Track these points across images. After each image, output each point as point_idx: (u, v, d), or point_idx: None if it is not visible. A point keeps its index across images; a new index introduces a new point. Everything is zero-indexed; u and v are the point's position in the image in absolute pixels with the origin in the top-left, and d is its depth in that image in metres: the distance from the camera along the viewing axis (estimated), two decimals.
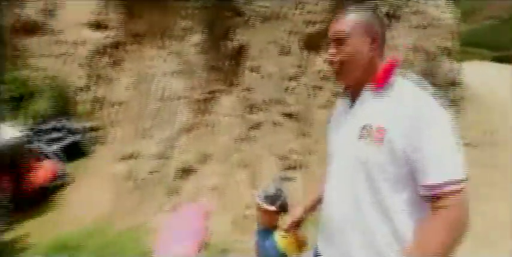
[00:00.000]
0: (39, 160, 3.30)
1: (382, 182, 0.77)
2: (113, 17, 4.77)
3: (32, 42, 5.03)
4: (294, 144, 2.83)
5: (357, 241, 0.82)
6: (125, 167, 3.12)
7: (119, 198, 2.88)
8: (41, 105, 4.36)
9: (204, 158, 3.12)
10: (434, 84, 0.85)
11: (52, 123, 3.99)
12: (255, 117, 3.17)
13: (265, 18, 3.89)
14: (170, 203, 2.81)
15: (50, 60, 4.93)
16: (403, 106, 0.76)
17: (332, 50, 0.82)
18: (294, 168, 2.73)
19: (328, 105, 3.08)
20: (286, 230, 1.13)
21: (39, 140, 3.60)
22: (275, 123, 2.97)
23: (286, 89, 3.10)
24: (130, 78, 4.10)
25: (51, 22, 5.19)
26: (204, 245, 2.29)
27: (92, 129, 4.34)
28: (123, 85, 4.08)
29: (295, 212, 1.11)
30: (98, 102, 4.57)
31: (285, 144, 2.82)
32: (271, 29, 3.75)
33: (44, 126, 3.90)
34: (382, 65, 0.82)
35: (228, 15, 3.98)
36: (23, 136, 3.08)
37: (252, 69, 3.53)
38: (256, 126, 3.09)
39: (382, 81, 0.80)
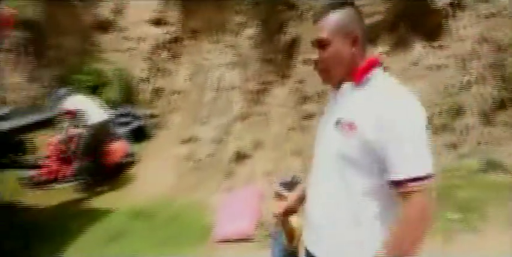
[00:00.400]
0: (114, 140, 3.76)
1: (354, 175, 0.78)
2: (172, 14, 5.15)
3: (105, 39, 5.64)
4: None
5: (335, 235, 0.83)
6: (185, 150, 3.42)
7: (180, 177, 3.19)
8: (111, 94, 4.90)
9: (257, 145, 3.29)
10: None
11: (120, 110, 4.47)
12: (308, 108, 3.25)
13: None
14: (226, 185, 3.03)
15: (118, 55, 5.49)
16: (373, 102, 0.77)
17: (315, 56, 0.84)
18: None
19: None
20: (279, 217, 1.10)
21: (114, 123, 4.08)
22: None
23: None
24: (188, 70, 4.43)
25: (119, 20, 5.75)
26: (259, 225, 2.45)
27: (152, 116, 4.78)
28: (182, 76, 4.42)
29: (291, 198, 1.07)
30: (158, 92, 5.00)
31: None
32: None
33: (114, 112, 4.40)
34: (362, 62, 0.83)
35: (281, 9, 4.07)
36: (108, 118, 3.53)
37: (304, 62, 3.59)
38: (309, 116, 3.16)
39: (359, 78, 0.82)
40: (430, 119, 1.97)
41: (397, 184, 0.74)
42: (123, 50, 5.41)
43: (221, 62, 4.00)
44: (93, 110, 3.36)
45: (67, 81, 4.70)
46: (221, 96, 3.69)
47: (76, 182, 3.22)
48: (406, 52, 3.33)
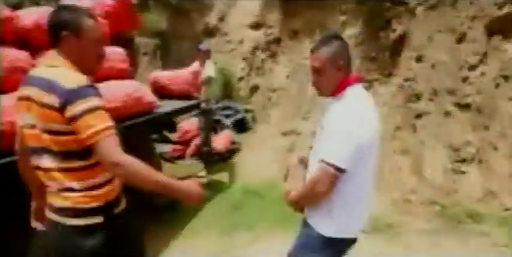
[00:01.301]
0: (222, 128, 4.27)
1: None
2: (272, 16, 5.48)
3: (211, 42, 6.40)
4: (469, 136, 2.60)
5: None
6: (287, 141, 3.64)
7: (283, 166, 3.42)
8: (215, 89, 5.54)
9: None
10: None
11: (223, 103, 5.02)
12: (418, 106, 3.06)
13: (432, 6, 3.62)
14: None
15: (221, 56, 6.14)
16: (333, 113, 1.10)
17: (312, 77, 1.15)
18: (468, 161, 2.52)
19: None
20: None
21: (219, 115, 4.63)
22: (446, 114, 2.80)
23: (465, 78, 2.84)
24: (287, 69, 4.67)
25: (223, 26, 6.42)
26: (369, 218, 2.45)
27: (250, 110, 5.22)
28: (282, 74, 4.69)
29: (291, 160, 1.35)
30: (256, 88, 5.41)
31: (457, 135, 2.62)
32: (440, 16, 3.46)
33: (219, 105, 4.97)
34: (343, 82, 1.10)
35: (388, 6, 3.92)
36: (215, 108, 4.05)
37: (414, 59, 3.39)
38: (420, 115, 2.99)
39: (337, 93, 1.11)
40: None
41: (320, 160, 1.06)
42: (225, 51, 6.02)
43: None
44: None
45: None
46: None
47: (197, 161, 3.81)
48: None
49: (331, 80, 1.10)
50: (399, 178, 2.74)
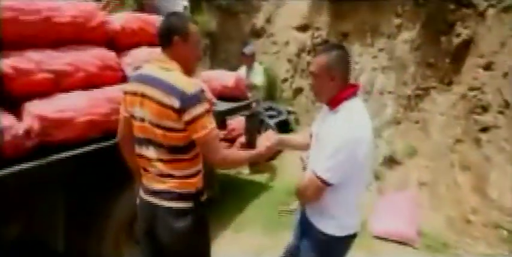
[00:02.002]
0: (266, 129, 4.32)
1: None
2: (321, 19, 5.35)
3: (257, 43, 6.47)
4: None
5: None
6: None
7: None
8: (261, 91, 5.59)
9: (411, 153, 3.10)
10: None
11: (267, 104, 5.05)
12: (484, 119, 2.79)
13: (506, 8, 3.25)
14: (376, 186, 3.01)
15: (267, 57, 6.18)
16: (331, 126, 1.13)
17: (311, 82, 1.22)
18: None
19: None
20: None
21: (263, 115, 4.68)
22: None
23: None
24: None
25: (270, 28, 6.43)
26: (420, 234, 2.32)
27: (292, 112, 5.19)
28: None
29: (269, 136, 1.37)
30: (299, 91, 5.37)
31: None
32: None
33: (264, 106, 5.01)
34: (339, 92, 1.13)
35: (452, 8, 3.60)
36: (263, 110, 4.10)
37: (482, 67, 3.09)
38: (486, 129, 2.72)
39: (334, 106, 1.15)
40: None
41: (313, 171, 1.12)
42: (271, 53, 6.04)
43: (373, 65, 3.92)
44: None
45: None
46: (372, 100, 3.63)
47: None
48: None
49: (325, 88, 1.15)
50: (458, 196, 2.53)
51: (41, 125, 1.28)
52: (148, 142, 1.15)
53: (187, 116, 1.06)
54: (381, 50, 4.04)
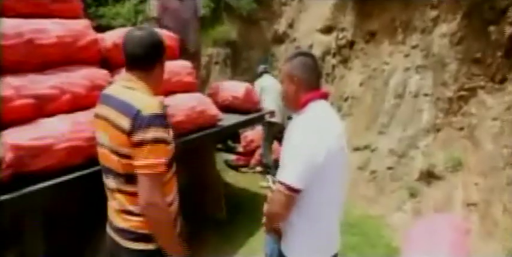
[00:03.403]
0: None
1: None
2: (345, 19, 4.97)
3: (280, 49, 6.26)
4: None
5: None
6: (359, 158, 3.16)
7: (354, 185, 2.98)
8: (275, 98, 5.35)
9: (455, 165, 2.57)
10: None
11: (289, 112, 4.77)
12: None
13: None
14: (412, 206, 2.54)
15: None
16: (292, 129, 1.11)
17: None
18: None
19: None
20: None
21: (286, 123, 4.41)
22: None
23: None
24: (362, 75, 4.13)
25: (292, 32, 6.18)
26: None
27: None
28: (355, 81, 4.17)
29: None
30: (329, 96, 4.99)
31: None
32: None
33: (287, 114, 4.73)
34: (304, 97, 1.12)
35: None
36: (280, 121, 3.84)
37: None
38: None
39: (299, 108, 1.13)
40: None
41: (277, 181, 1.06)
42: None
43: (406, 65, 3.44)
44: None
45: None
46: (405, 104, 3.16)
47: (260, 170, 3.69)
48: None
49: (289, 94, 1.14)
50: None
51: (15, 155, 1.19)
52: (109, 171, 1.03)
53: (134, 139, 0.91)
54: (414, 47, 3.54)
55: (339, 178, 1.11)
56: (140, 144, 0.90)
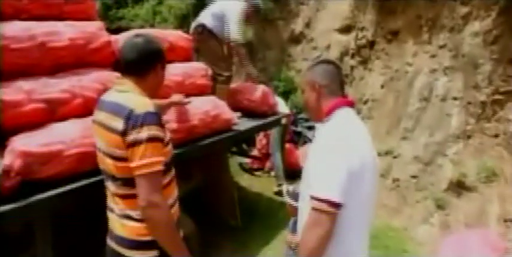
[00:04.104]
0: (304, 142, 3.90)
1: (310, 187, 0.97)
2: (365, 18, 4.75)
3: (296, 50, 6.10)
4: None
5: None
6: (380, 164, 2.97)
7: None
8: (299, 99, 5.20)
9: (489, 176, 2.35)
10: None
11: (304, 114, 4.61)
12: None
13: None
14: (440, 219, 2.34)
15: (307, 64, 5.79)
16: (319, 138, 1.04)
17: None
18: None
19: None
20: None
21: (302, 126, 4.26)
22: None
23: None
24: (382, 77, 3.92)
25: (309, 32, 6.01)
26: None
27: None
28: (375, 83, 3.97)
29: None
30: None
31: None
32: None
33: (302, 116, 4.59)
34: (328, 105, 1.05)
35: None
36: (290, 115, 3.70)
37: None
38: None
39: (323, 117, 1.07)
40: None
41: (310, 197, 0.92)
42: (311, 59, 5.61)
43: (432, 66, 3.21)
44: (284, 112, 3.58)
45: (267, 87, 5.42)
46: (431, 108, 2.94)
47: (273, 174, 3.58)
48: None
49: (310, 103, 1.09)
50: None
51: (24, 161, 1.16)
52: (107, 175, 1.03)
53: (128, 138, 0.89)
54: (441, 47, 3.30)
55: (371, 192, 0.99)
56: (134, 144, 0.88)
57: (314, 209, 0.90)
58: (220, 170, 2.28)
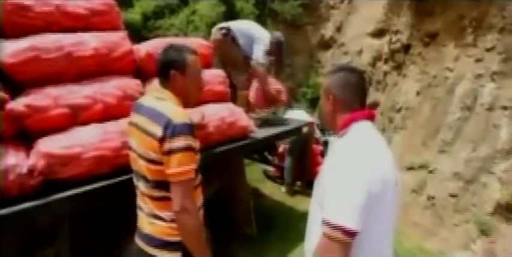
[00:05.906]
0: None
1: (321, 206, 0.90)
2: (399, 21, 4.45)
3: (326, 55, 5.94)
4: None
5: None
6: (414, 179, 2.70)
7: (406, 211, 2.55)
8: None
9: None
10: None
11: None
12: None
13: None
14: (482, 245, 2.04)
15: None
16: (335, 154, 0.95)
17: None
18: None
19: None
20: None
21: (329, 134, 4.08)
22: None
23: None
24: (420, 83, 3.61)
25: (340, 37, 5.82)
26: None
27: None
28: (410, 90, 3.67)
29: None
30: (375, 106, 4.52)
31: None
32: None
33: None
34: (344, 118, 0.98)
35: None
36: (313, 123, 3.55)
37: None
38: None
39: (339, 131, 1.00)
40: None
41: (322, 221, 0.84)
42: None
43: (477, 71, 2.87)
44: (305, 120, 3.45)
45: (295, 93, 5.34)
46: (475, 118, 2.61)
47: (299, 185, 3.46)
48: None
49: (325, 112, 1.05)
50: None
51: (47, 162, 1.23)
52: (138, 175, 1.09)
53: (166, 146, 0.96)
54: (489, 49, 2.95)
55: (392, 215, 0.92)
56: (171, 152, 0.94)
57: (326, 235, 0.81)
58: (237, 178, 2.24)
